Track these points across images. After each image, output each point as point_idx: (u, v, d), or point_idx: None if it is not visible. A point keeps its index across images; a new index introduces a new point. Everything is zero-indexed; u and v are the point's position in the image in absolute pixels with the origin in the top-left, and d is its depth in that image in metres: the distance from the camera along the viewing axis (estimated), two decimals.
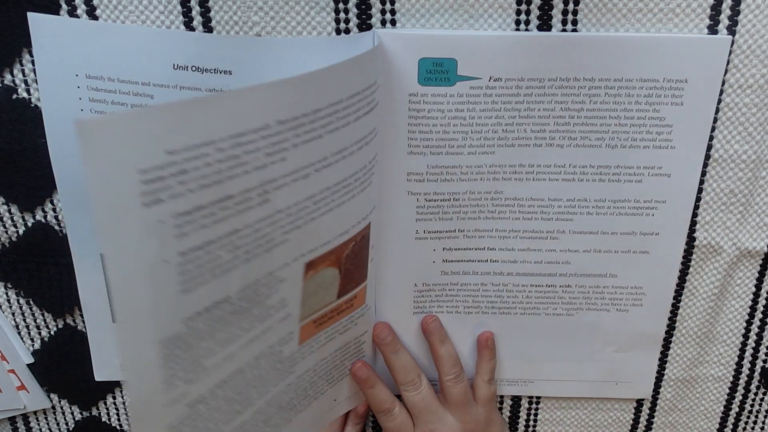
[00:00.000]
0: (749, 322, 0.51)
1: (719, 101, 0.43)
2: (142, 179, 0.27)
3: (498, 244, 0.48)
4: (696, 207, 0.47)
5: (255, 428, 0.40)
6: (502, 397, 0.55)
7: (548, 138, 0.44)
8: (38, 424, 0.56)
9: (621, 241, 0.47)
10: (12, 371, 0.52)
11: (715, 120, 0.44)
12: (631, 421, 0.56)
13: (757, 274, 0.49)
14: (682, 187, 0.46)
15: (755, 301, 0.51)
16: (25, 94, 0.43)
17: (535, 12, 0.41)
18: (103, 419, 0.57)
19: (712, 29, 0.41)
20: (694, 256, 0.49)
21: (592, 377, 0.53)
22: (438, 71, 0.41)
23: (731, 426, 0.56)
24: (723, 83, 0.43)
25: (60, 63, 0.41)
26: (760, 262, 0.49)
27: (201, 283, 0.31)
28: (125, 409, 0.56)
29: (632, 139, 0.44)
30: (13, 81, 0.43)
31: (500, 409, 0.55)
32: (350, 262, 0.41)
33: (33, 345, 0.53)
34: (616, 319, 0.50)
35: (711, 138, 0.44)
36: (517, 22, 0.41)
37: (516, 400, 0.55)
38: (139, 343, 0.30)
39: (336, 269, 0.40)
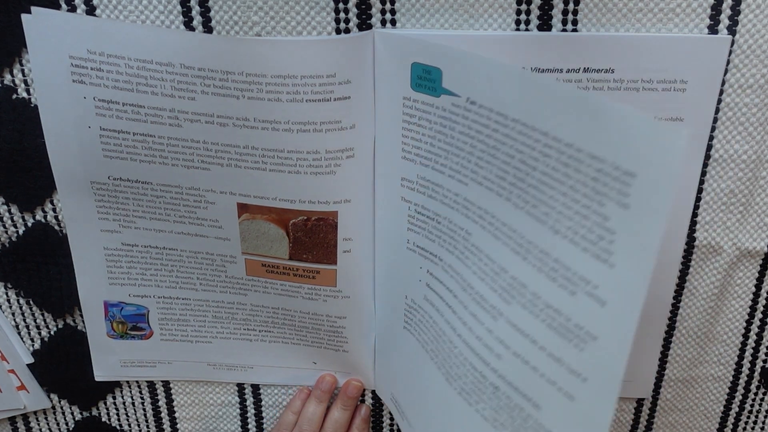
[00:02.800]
0: (749, 322, 0.51)
1: (719, 101, 0.43)
2: (72, 62, 0.41)
3: (462, 295, 0.41)
4: (696, 207, 0.47)
5: (203, 311, 0.51)
6: None
7: (507, 191, 0.36)
8: (38, 424, 0.56)
9: None
10: (12, 371, 0.52)
11: (715, 120, 0.44)
12: (631, 421, 0.56)
13: (757, 274, 0.49)
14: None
15: (755, 301, 0.50)
16: (25, 94, 0.43)
17: (535, 12, 0.41)
18: (103, 419, 0.57)
19: (712, 29, 0.41)
20: (694, 256, 0.49)
21: None
22: (426, 78, 0.39)
23: (731, 426, 0.56)
24: (723, 83, 0.42)
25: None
26: (760, 262, 0.49)
27: (121, 158, 0.44)
28: (125, 409, 0.56)
29: None
30: (13, 81, 0.43)
31: None
32: (303, 233, 0.46)
33: (33, 345, 0.53)
34: None
35: (711, 138, 0.44)
36: (517, 22, 0.41)
37: None
38: (73, 179, 0.45)
39: (281, 229, 0.46)
